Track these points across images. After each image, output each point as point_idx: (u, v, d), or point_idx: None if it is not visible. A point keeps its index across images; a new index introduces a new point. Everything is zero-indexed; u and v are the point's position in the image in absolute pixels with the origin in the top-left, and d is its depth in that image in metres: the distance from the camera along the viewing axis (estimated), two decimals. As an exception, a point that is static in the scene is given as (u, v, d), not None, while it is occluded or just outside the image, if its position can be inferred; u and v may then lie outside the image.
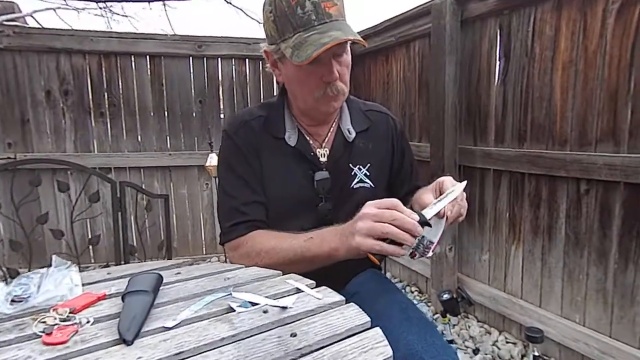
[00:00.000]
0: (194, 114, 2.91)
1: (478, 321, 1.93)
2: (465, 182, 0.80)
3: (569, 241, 1.53)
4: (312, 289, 0.66)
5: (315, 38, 0.75)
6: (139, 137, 2.83)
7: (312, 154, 0.92)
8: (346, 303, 0.61)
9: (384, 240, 0.67)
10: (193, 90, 2.89)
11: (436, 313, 2.02)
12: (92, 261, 2.84)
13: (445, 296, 1.77)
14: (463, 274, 2.03)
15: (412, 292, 2.32)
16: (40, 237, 2.64)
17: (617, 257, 1.38)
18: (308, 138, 0.94)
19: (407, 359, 0.71)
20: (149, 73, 2.78)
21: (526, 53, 1.61)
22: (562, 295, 1.57)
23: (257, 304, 0.59)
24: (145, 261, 2.66)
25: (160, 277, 0.64)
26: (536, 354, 1.37)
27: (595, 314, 1.46)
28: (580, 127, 1.45)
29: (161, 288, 0.64)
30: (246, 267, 0.77)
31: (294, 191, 0.92)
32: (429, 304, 2.14)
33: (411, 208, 0.93)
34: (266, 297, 0.61)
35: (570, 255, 1.53)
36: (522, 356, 1.64)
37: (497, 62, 1.74)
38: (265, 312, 0.56)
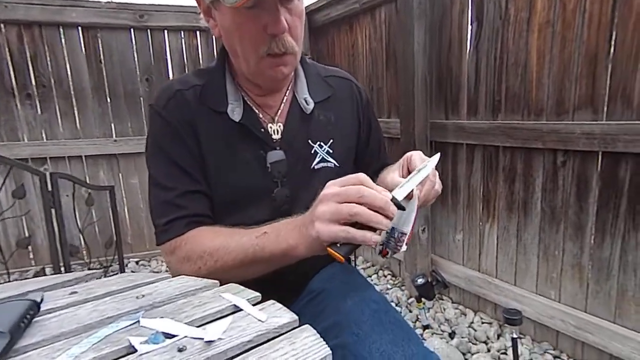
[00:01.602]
0: (141, 95, 2.59)
1: (453, 302, 1.86)
2: (438, 155, 0.67)
3: (544, 216, 1.46)
4: (256, 304, 0.49)
5: None
6: (78, 122, 2.49)
7: (262, 130, 0.76)
8: (301, 324, 0.45)
9: (352, 225, 0.52)
10: (138, 68, 2.56)
11: (410, 297, 1.94)
12: (33, 264, 2.53)
13: (420, 280, 1.67)
14: (437, 255, 1.95)
15: (385, 277, 2.23)
16: (-33, 241, 2.30)
17: (594, 230, 1.32)
18: (257, 111, 0.77)
19: (382, 375, 0.58)
20: (83, 48, 2.42)
21: (500, 15, 1.48)
22: (537, 272, 1.51)
23: (173, 336, 0.42)
24: (91, 260, 2.41)
25: (34, 305, 0.45)
26: (514, 336, 1.30)
27: (571, 290, 1.41)
28: (557, 94, 1.35)
29: (36, 320, 0.45)
30: (172, 277, 0.59)
31: (242, 177, 0.75)
32: (403, 287, 2.06)
33: None
34: (188, 323, 0.44)
35: (545, 231, 1.46)
36: (498, 336, 1.59)
37: (469, 27, 1.61)
38: (181, 349, 0.39)
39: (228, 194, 0.75)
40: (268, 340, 0.42)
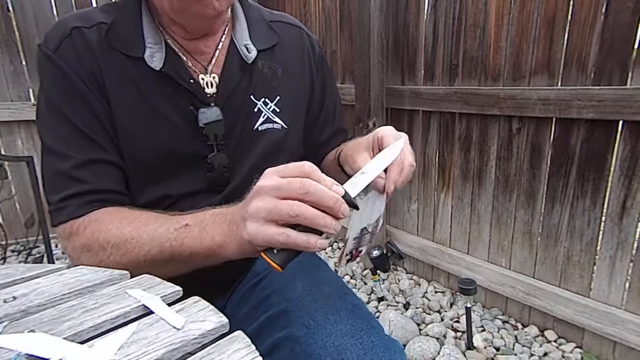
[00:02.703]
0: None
1: (407, 273, 1.86)
2: (404, 138, 0.55)
3: (498, 184, 1.44)
4: (175, 302, 0.36)
5: None
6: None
7: (191, 81, 0.61)
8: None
9: (293, 227, 0.41)
10: (57, 20, 2.17)
11: (365, 269, 1.90)
12: None
13: (375, 252, 1.62)
14: (392, 226, 1.91)
15: (339, 249, 2.17)
16: None
17: (545, 198, 1.32)
18: (184, 58, 0.62)
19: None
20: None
21: (460, -29, 1.38)
22: (490, 240, 1.52)
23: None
24: (8, 243, 2.10)
25: None
26: (468, 305, 1.30)
27: (520, 257, 1.43)
28: (515, 58, 1.30)
29: None
30: (68, 267, 0.44)
31: (165, 139, 0.60)
32: (358, 260, 2.02)
33: (340, 167, 0.65)
34: (71, 337, 0.30)
35: (499, 199, 1.45)
36: (451, 304, 1.60)
37: (428, -16, 1.50)
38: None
39: (149, 161, 0.60)
40: (183, 357, 0.29)
